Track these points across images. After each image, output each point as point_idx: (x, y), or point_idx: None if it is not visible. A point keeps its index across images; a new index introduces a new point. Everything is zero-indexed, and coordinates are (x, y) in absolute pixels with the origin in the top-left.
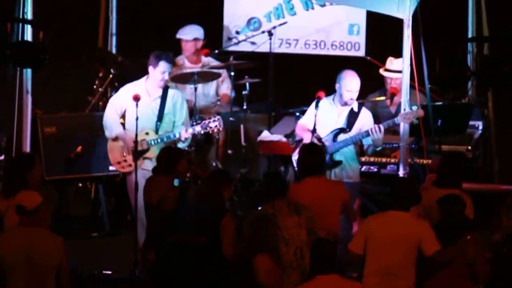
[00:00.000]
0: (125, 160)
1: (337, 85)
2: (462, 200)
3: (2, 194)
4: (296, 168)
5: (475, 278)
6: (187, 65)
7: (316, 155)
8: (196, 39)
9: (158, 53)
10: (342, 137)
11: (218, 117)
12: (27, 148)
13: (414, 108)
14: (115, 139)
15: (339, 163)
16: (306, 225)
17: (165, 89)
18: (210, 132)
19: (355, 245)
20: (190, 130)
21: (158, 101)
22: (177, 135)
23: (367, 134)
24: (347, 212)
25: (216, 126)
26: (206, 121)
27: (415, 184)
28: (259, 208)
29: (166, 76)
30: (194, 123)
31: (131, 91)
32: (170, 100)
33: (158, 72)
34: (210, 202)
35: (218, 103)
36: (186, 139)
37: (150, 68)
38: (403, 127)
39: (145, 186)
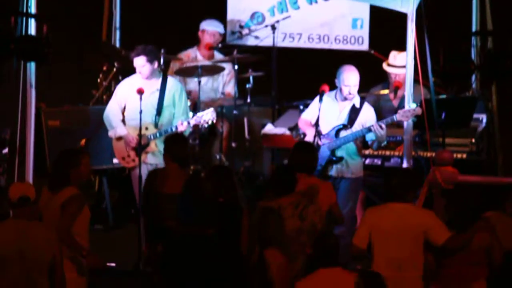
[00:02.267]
0: (129, 155)
1: (336, 81)
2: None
3: (47, 187)
4: None
5: (492, 265)
6: (200, 59)
7: (308, 153)
8: (221, 35)
9: (136, 48)
10: (344, 133)
11: (212, 109)
12: (31, 141)
13: (413, 106)
14: (119, 138)
15: (340, 159)
16: (308, 231)
17: (164, 81)
18: (204, 124)
19: (359, 239)
20: (185, 123)
21: (157, 94)
22: (174, 129)
23: (368, 130)
24: (333, 211)
25: (209, 118)
26: (200, 114)
27: (408, 174)
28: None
29: (144, 70)
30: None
31: (131, 85)
32: (169, 92)
33: (136, 66)
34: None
35: (222, 97)
36: (182, 132)
37: None
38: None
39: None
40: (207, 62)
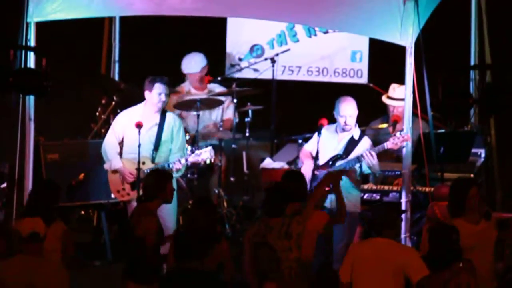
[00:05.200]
0: (124, 189)
1: (334, 112)
2: (457, 229)
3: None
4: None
5: None
6: (193, 92)
7: (299, 181)
8: (202, 69)
9: (152, 77)
10: (339, 163)
11: (210, 147)
12: (30, 175)
13: (403, 133)
14: (114, 170)
15: None
16: (296, 246)
17: (163, 116)
18: (202, 162)
19: (343, 273)
20: (183, 161)
21: (155, 129)
22: (171, 166)
23: (360, 159)
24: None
25: (207, 157)
26: (198, 152)
27: (391, 210)
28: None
29: (163, 98)
30: (196, 149)
31: (130, 117)
32: (168, 126)
33: (155, 94)
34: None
35: (221, 129)
36: (178, 170)
37: (147, 93)
38: (406, 154)
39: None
40: (204, 96)
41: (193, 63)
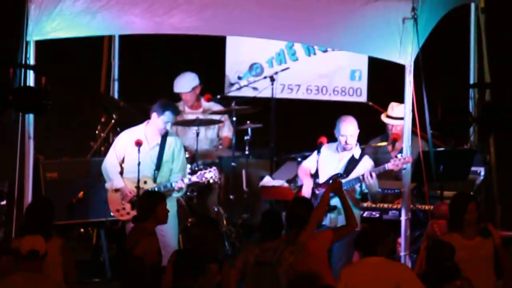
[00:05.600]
0: (124, 208)
1: (335, 131)
2: (451, 246)
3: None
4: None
5: None
6: (188, 111)
7: (306, 208)
8: (194, 88)
9: (165, 102)
10: None
11: (214, 167)
12: (29, 193)
13: (404, 155)
14: (115, 190)
15: (333, 208)
16: (285, 274)
17: (164, 136)
18: (206, 182)
19: None
20: (186, 180)
21: (157, 149)
22: (173, 185)
23: (359, 180)
24: None
25: (211, 177)
26: (202, 172)
27: (374, 228)
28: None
29: (169, 127)
30: (196, 168)
31: (131, 137)
32: (169, 147)
33: (162, 121)
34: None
35: (220, 147)
36: (180, 189)
37: (154, 115)
38: (405, 172)
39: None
40: (200, 114)
41: (184, 83)
